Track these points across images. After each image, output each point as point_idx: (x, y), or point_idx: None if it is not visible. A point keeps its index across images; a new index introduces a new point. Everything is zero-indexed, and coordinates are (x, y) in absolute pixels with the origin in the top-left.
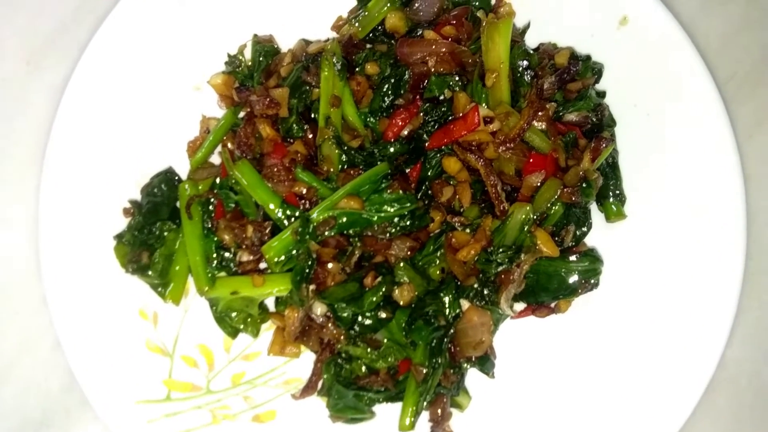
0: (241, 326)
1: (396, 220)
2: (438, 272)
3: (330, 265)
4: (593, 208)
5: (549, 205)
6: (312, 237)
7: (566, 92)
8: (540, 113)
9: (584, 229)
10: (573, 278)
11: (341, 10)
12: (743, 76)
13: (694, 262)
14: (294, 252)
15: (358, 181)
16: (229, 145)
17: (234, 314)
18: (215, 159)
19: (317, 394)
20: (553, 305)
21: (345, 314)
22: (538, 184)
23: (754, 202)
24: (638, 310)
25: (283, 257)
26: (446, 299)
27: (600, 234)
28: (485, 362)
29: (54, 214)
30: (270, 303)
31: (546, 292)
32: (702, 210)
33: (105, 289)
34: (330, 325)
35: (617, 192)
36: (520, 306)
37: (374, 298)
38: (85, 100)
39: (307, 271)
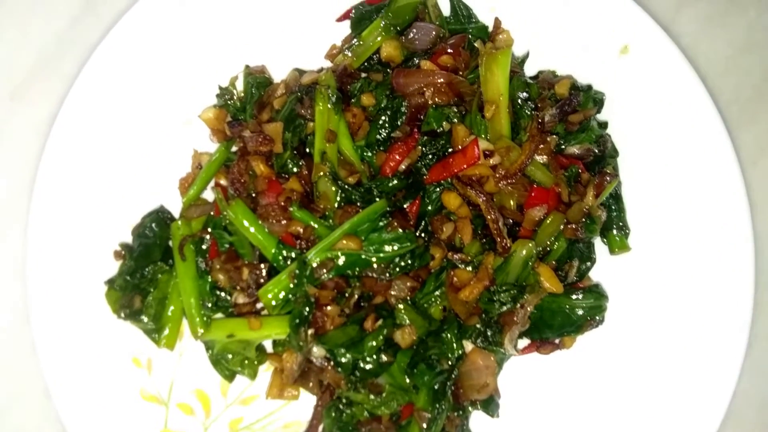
0: (238, 368)
1: (396, 260)
2: (439, 311)
3: (329, 308)
4: (597, 240)
5: (552, 240)
6: (310, 281)
7: (567, 124)
8: (541, 147)
9: (588, 263)
10: (577, 315)
11: (335, 39)
12: (746, 99)
13: (701, 294)
14: (291, 296)
15: (356, 220)
16: (222, 181)
17: (230, 356)
18: (208, 194)
19: None
20: (557, 341)
21: (345, 360)
22: (540, 218)
23: (760, 230)
24: (646, 345)
25: (280, 301)
26: (449, 341)
27: (604, 266)
28: (490, 403)
29: (42, 258)
30: (267, 343)
31: (550, 329)
32: (708, 240)
33: (96, 336)
34: (330, 368)
35: (621, 224)
36: (523, 342)
37: (374, 343)
38: (73, 136)
39: (306, 314)
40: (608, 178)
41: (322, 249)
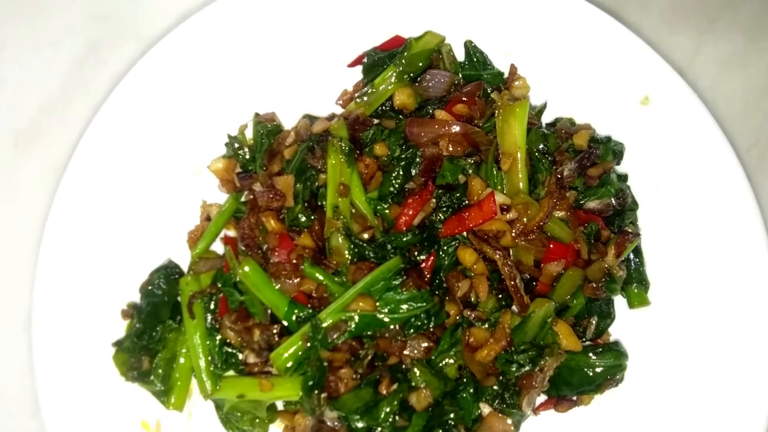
0: (249, 428)
1: (411, 320)
2: (455, 370)
3: (342, 371)
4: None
5: (570, 296)
6: (323, 344)
7: (587, 178)
8: (560, 202)
9: (607, 320)
10: (597, 374)
11: (346, 84)
12: (767, 142)
13: (724, 350)
14: (304, 359)
15: (370, 280)
16: (232, 233)
17: (240, 415)
18: (217, 246)
19: None
20: (575, 398)
21: (359, 425)
22: (559, 273)
23: None
24: (667, 402)
25: (293, 365)
26: (465, 405)
27: (623, 320)
28: None
29: (48, 316)
30: (279, 401)
31: (568, 387)
32: (730, 293)
33: (103, 399)
34: (343, 430)
35: (640, 277)
36: (540, 398)
37: (389, 409)
38: (81, 188)
39: (318, 378)
40: (630, 237)
41: (335, 310)
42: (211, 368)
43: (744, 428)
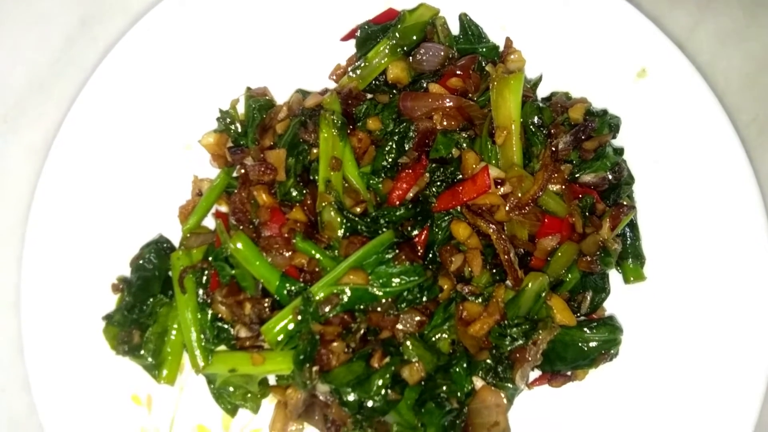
0: (241, 402)
1: (404, 293)
2: (448, 345)
3: (334, 344)
4: (611, 270)
5: (565, 270)
6: (314, 317)
7: (582, 151)
8: (555, 176)
9: (602, 295)
10: (591, 348)
11: (339, 58)
12: (765, 117)
13: (720, 325)
14: (295, 332)
15: (362, 254)
16: (223, 208)
17: (232, 390)
18: (209, 222)
19: None
20: (569, 373)
21: (351, 398)
22: (553, 247)
23: None
24: (662, 377)
25: (284, 338)
26: (458, 378)
27: (618, 295)
28: None
29: (37, 291)
30: (271, 375)
31: (562, 362)
32: (727, 267)
33: (94, 374)
34: (335, 403)
35: (636, 252)
36: (534, 374)
37: (381, 382)
38: (69, 162)
39: (310, 351)
40: (625, 210)
41: (326, 283)
42: (203, 343)
43: (739, 402)
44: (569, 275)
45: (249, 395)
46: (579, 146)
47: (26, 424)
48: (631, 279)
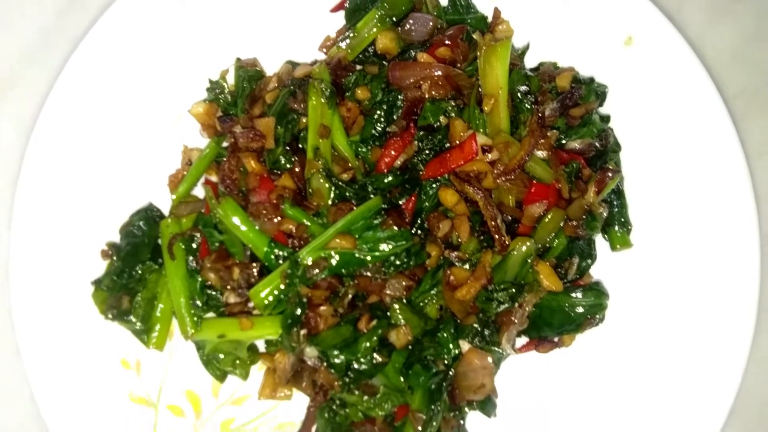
0: (230, 369)
1: (391, 258)
2: (436, 310)
3: (322, 308)
4: (597, 236)
5: (551, 237)
6: (302, 280)
7: (569, 118)
8: (541, 142)
9: (588, 261)
10: (577, 314)
11: (329, 30)
12: (753, 90)
13: (705, 290)
14: (283, 296)
15: (350, 219)
16: (213, 178)
17: (222, 356)
18: (198, 191)
19: None
20: (556, 339)
21: (338, 361)
22: (540, 214)
23: (765, 222)
24: (647, 342)
25: (271, 301)
26: (445, 341)
27: (605, 263)
28: (486, 404)
29: (26, 257)
30: (260, 343)
31: (549, 327)
32: (712, 234)
33: (83, 338)
34: (323, 368)
35: (623, 219)
36: (522, 340)
37: (368, 344)
38: (59, 132)
39: (298, 315)
40: (610, 174)
41: (314, 248)
42: (192, 309)
43: (723, 366)
44: (556, 241)
45: (238, 361)
46: (566, 113)
47: (16, 390)
48: (618, 246)
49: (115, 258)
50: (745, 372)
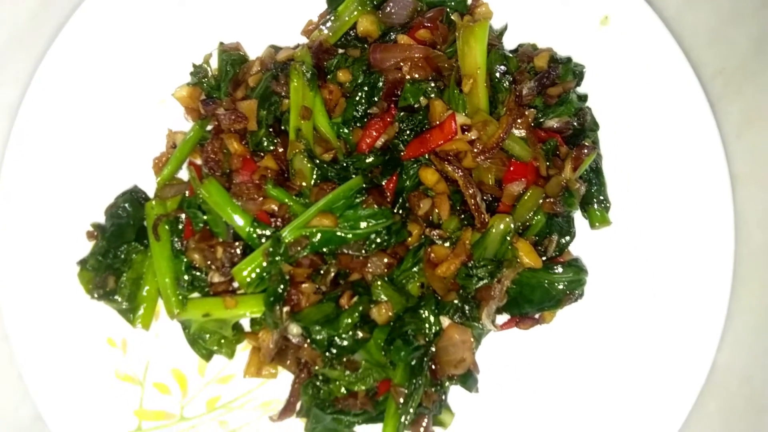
0: (216, 348)
1: (372, 236)
2: (417, 287)
3: (304, 286)
4: (577, 214)
5: (531, 214)
6: (284, 258)
7: (546, 97)
8: (519, 120)
9: (568, 238)
10: (557, 290)
11: (311, 15)
12: (732, 71)
13: (681, 266)
14: (266, 273)
15: (331, 197)
16: (198, 161)
17: (207, 336)
18: (183, 175)
19: (296, 416)
20: (537, 316)
21: (320, 337)
22: (520, 192)
23: (743, 203)
24: (626, 318)
25: (254, 279)
26: (426, 317)
27: (584, 241)
28: (467, 379)
29: (12, 240)
30: (245, 323)
31: (530, 304)
32: (688, 213)
33: (69, 318)
34: (306, 345)
35: (601, 198)
36: (503, 318)
37: (350, 320)
38: (42, 116)
39: (280, 292)
40: (586, 151)
41: (296, 226)
42: (178, 290)
43: (699, 341)
44: (535, 219)
45: (223, 341)
46: (543, 92)
47: (7, 370)
48: (597, 224)
49: (100, 238)
50: (726, 347)
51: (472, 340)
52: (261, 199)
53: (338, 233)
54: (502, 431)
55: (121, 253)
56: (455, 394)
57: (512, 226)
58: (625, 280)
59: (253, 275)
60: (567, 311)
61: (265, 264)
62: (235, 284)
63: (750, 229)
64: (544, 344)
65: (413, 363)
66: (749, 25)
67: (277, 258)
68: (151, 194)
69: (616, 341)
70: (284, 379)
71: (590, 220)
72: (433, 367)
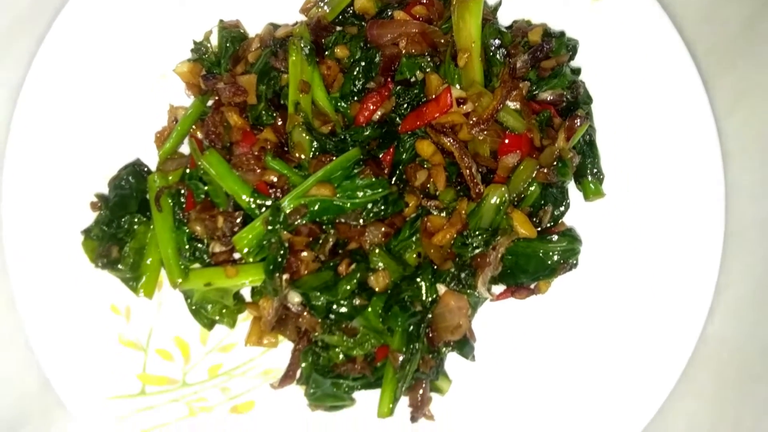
0: (217, 317)
1: (369, 206)
2: (414, 257)
3: (303, 254)
4: (571, 187)
5: (525, 185)
6: (283, 226)
7: (540, 70)
8: (513, 92)
9: (562, 208)
10: (552, 259)
11: None
12: (723, 48)
13: (673, 238)
14: (266, 242)
15: (330, 168)
16: (198, 134)
17: (209, 306)
18: (185, 149)
19: (296, 383)
20: (532, 286)
21: (319, 303)
22: (514, 164)
23: (735, 178)
24: (618, 288)
25: (254, 247)
26: (423, 284)
27: (579, 213)
28: (464, 346)
29: (18, 211)
30: (247, 293)
31: (525, 274)
32: (680, 187)
33: (75, 286)
34: (306, 313)
35: (595, 170)
36: (499, 288)
37: (348, 286)
38: (47, 91)
39: (280, 260)
40: (579, 121)
41: (295, 196)
42: (180, 261)
43: (690, 309)
44: (530, 190)
45: (225, 310)
46: (537, 66)
47: (14, 340)
48: (591, 196)
49: (103, 208)
50: (717, 318)
51: (467, 306)
52: (260, 170)
53: (336, 202)
54: (498, 399)
55: (124, 224)
56: (453, 363)
57: (507, 196)
58: (617, 251)
59: (254, 243)
60: (561, 282)
61: (264, 233)
62: (236, 255)
63: (742, 203)
64: (540, 314)
65: (410, 329)
66: (742, 2)
67: (276, 226)
68: (153, 168)
69: (609, 310)
70: (285, 348)
71: (584, 193)
72: (430, 334)
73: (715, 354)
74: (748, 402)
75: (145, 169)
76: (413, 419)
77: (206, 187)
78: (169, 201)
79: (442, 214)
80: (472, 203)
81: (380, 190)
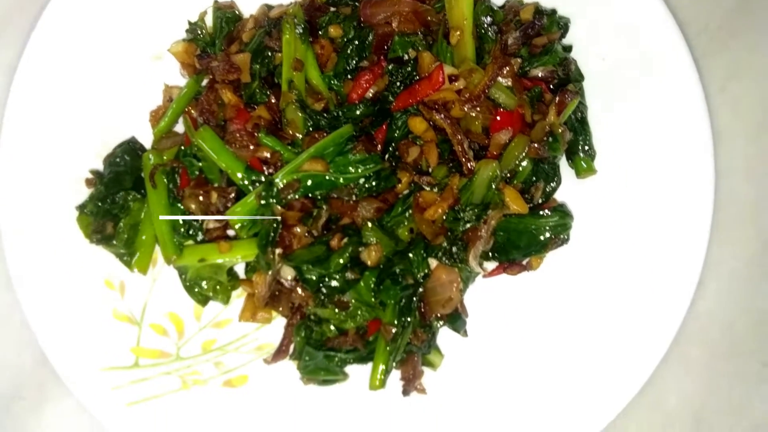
0: (211, 294)
1: (362, 181)
2: (407, 233)
3: (296, 228)
4: (563, 164)
5: (517, 162)
6: (276, 200)
7: (531, 47)
8: (505, 69)
9: (553, 184)
10: (543, 234)
11: None
12: (716, 27)
13: (663, 215)
14: (258, 215)
15: (322, 144)
16: (193, 112)
17: (203, 282)
18: (179, 128)
19: (289, 358)
20: (524, 262)
21: (311, 276)
22: (506, 141)
23: (726, 155)
24: (609, 264)
25: (247, 222)
26: (415, 258)
27: (570, 190)
28: (456, 320)
29: (13, 188)
30: (240, 270)
31: (517, 250)
32: (671, 164)
33: (69, 261)
34: (299, 288)
35: (587, 147)
36: (491, 265)
37: (341, 260)
38: (42, 70)
39: (272, 234)
40: (569, 96)
41: (288, 171)
42: (174, 237)
43: (679, 283)
44: (521, 166)
45: (219, 287)
46: (528, 42)
47: (10, 316)
48: (583, 173)
49: (98, 183)
50: (709, 295)
51: (459, 280)
52: (254, 147)
53: (329, 177)
54: (490, 374)
55: (119, 200)
56: (446, 339)
57: (498, 171)
58: (608, 228)
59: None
60: (552, 259)
61: (257, 207)
62: (230, 232)
63: (734, 181)
64: (531, 290)
65: (402, 302)
66: None
67: (269, 200)
68: (148, 146)
69: (599, 285)
70: (278, 324)
71: (576, 170)
72: (422, 308)
73: (706, 329)
74: (739, 377)
75: (140, 147)
76: (405, 392)
77: (200, 164)
78: (164, 178)
79: (434, 190)
80: (464, 179)
81: (372, 165)
